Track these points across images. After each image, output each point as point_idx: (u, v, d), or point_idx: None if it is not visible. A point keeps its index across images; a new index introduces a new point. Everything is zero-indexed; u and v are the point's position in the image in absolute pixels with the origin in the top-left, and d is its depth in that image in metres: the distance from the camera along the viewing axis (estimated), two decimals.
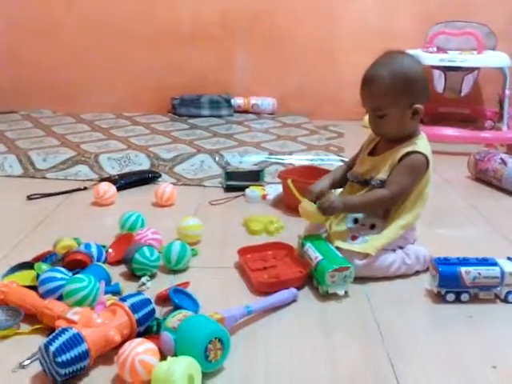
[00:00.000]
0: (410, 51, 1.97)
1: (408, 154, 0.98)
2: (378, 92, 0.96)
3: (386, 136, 1.02)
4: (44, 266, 0.93)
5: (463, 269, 0.90)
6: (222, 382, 0.72)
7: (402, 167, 0.98)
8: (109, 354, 0.74)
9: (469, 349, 0.79)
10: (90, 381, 0.72)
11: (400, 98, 0.96)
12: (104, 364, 0.74)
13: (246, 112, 2.28)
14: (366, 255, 0.96)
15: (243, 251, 1.04)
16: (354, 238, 0.99)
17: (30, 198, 1.39)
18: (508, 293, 0.91)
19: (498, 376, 0.73)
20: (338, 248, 0.97)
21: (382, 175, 0.99)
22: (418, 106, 0.97)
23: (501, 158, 1.51)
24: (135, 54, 2.28)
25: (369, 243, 0.97)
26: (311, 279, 0.96)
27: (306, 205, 1.01)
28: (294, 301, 0.91)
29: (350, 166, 1.11)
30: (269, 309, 0.88)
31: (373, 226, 1.00)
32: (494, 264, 0.91)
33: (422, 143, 1.00)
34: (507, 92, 1.91)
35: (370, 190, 1.00)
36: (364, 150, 1.08)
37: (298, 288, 0.93)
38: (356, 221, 1.01)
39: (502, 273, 0.90)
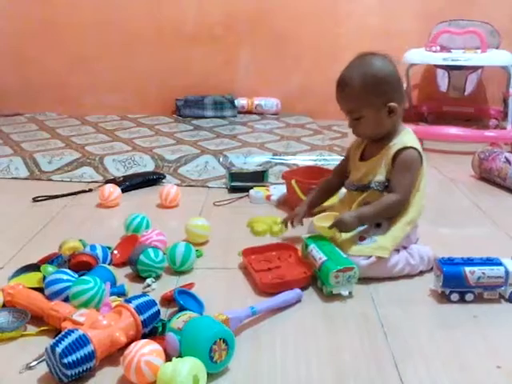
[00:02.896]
0: (414, 50, 1.99)
1: (400, 151, 0.98)
2: (350, 95, 0.98)
3: (365, 137, 1.04)
4: (50, 268, 0.94)
5: (467, 269, 0.90)
6: (227, 383, 0.72)
7: (399, 167, 0.98)
8: (114, 355, 0.75)
9: (473, 349, 0.79)
10: (95, 382, 0.72)
11: (372, 99, 0.97)
12: (110, 365, 0.75)
13: (249, 113, 2.29)
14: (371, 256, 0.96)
15: (247, 252, 1.04)
16: (361, 238, 0.99)
17: (35, 200, 1.40)
18: None
19: (503, 376, 0.73)
20: (349, 255, 0.96)
21: (380, 177, 1.00)
22: (392, 104, 0.97)
23: (505, 157, 1.50)
24: (139, 56, 2.29)
25: (380, 245, 0.97)
26: (315, 280, 0.96)
27: (320, 224, 1.00)
28: (298, 301, 0.91)
29: (338, 174, 1.11)
30: (273, 309, 0.88)
31: (378, 225, 1.00)
32: (499, 264, 0.91)
33: (409, 138, 1.00)
34: (511, 91, 1.90)
35: (372, 194, 1.00)
36: (353, 156, 1.08)
37: (303, 289, 0.94)
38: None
39: (507, 272, 0.90)
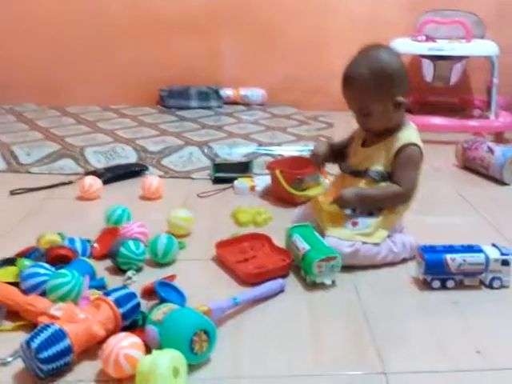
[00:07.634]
0: (400, 40, 1.99)
1: (404, 146, 0.98)
2: (361, 91, 0.97)
3: (373, 131, 1.03)
4: (26, 262, 0.92)
5: (448, 256, 0.90)
6: (209, 374, 0.71)
7: (403, 163, 0.98)
8: (93, 348, 0.73)
9: (453, 334, 0.80)
10: (73, 376, 0.71)
11: (382, 94, 0.97)
12: (88, 359, 0.73)
13: (235, 103, 2.26)
14: (355, 242, 0.96)
15: (220, 245, 1.03)
16: (354, 224, 0.99)
17: (13, 193, 1.37)
18: (493, 279, 0.92)
19: (482, 361, 0.74)
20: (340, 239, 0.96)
21: (379, 167, 1.00)
22: (399, 98, 0.98)
23: (488, 147, 1.51)
24: (122, 46, 2.24)
25: (373, 231, 0.97)
26: (298, 269, 0.96)
27: (320, 200, 1.02)
28: (281, 291, 0.91)
29: (344, 145, 1.10)
30: (256, 300, 0.87)
31: (371, 214, 1.00)
32: (479, 251, 0.92)
33: (412, 134, 1.01)
34: (495, 81, 1.91)
35: (370, 183, 1.00)
36: (356, 141, 1.08)
37: (283, 276, 0.93)
38: (354, 209, 1.01)
39: (487, 259, 0.91)
